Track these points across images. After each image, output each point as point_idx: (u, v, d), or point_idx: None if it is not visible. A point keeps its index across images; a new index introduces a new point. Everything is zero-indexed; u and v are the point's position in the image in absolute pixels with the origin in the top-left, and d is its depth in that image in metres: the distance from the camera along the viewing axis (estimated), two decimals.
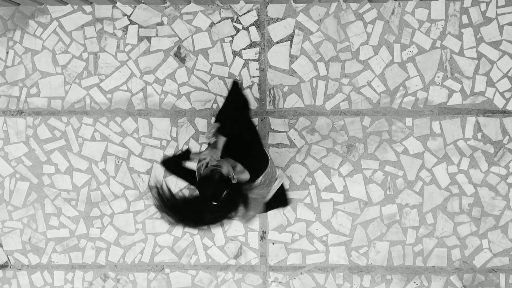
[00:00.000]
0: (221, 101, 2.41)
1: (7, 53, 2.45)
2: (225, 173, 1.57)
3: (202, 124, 2.42)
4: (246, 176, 1.70)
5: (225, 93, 2.41)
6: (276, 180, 1.95)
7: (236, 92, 2.08)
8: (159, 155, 2.45)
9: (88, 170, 2.47)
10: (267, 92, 2.42)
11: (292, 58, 2.41)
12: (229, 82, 2.40)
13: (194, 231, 2.44)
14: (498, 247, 2.42)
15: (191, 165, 1.98)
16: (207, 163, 1.67)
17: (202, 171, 1.68)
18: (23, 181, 2.48)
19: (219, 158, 1.67)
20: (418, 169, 2.41)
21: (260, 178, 1.76)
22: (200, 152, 1.86)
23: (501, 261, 2.42)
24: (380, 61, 2.39)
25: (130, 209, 2.47)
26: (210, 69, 2.43)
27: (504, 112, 2.38)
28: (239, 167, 1.69)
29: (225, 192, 1.50)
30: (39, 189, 2.48)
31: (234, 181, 1.59)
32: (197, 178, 1.78)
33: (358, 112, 2.41)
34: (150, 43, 2.43)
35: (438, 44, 2.38)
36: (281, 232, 2.46)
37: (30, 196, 2.49)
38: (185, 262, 2.49)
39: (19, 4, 2.41)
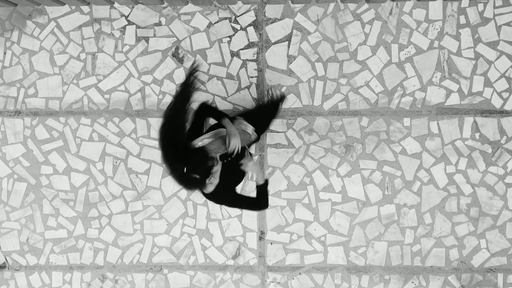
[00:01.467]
0: (218, 101, 2.41)
1: (5, 53, 2.44)
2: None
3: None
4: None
5: (223, 93, 2.41)
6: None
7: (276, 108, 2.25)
8: (157, 156, 2.44)
9: (86, 171, 2.47)
10: (265, 93, 2.41)
11: (290, 59, 2.41)
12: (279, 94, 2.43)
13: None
14: (496, 247, 2.42)
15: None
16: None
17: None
18: (21, 181, 2.48)
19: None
20: (416, 169, 2.41)
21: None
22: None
23: (499, 261, 2.43)
24: (378, 61, 2.40)
25: (128, 210, 2.47)
26: (208, 70, 2.42)
27: (502, 112, 2.39)
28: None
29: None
30: (37, 189, 2.48)
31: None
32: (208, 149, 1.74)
33: (356, 112, 2.41)
34: (148, 44, 2.42)
35: (435, 44, 2.38)
36: (279, 233, 2.46)
37: (28, 197, 2.48)
38: (183, 262, 2.48)
39: (16, 5, 2.41)
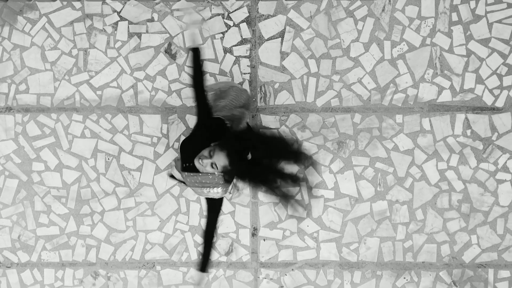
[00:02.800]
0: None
1: None
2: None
3: (193, 121, 2.42)
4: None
5: None
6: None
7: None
8: (150, 152, 2.44)
9: (78, 167, 2.45)
10: (258, 89, 2.42)
11: (283, 55, 2.41)
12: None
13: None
14: (486, 243, 2.44)
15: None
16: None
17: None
18: (12, 178, 2.46)
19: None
20: (408, 165, 2.43)
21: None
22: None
23: (490, 257, 2.45)
24: (370, 58, 2.40)
25: (120, 206, 2.46)
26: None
27: (493, 109, 2.41)
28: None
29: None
30: (29, 186, 2.46)
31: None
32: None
33: (349, 109, 2.42)
34: (140, 40, 2.42)
35: (428, 41, 2.39)
36: (272, 229, 2.46)
37: (20, 193, 2.47)
38: (176, 259, 2.48)
39: (7, 0, 2.39)
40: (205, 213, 1.93)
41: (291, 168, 1.74)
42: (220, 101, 2.03)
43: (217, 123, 1.83)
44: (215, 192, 1.80)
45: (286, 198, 1.72)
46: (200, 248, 1.92)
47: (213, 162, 1.64)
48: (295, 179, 1.71)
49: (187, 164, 1.81)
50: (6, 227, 2.49)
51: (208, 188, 1.78)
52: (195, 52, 1.78)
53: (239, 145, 1.65)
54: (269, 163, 1.67)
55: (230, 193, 1.89)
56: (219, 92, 2.08)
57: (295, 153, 1.72)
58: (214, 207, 1.87)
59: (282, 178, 1.69)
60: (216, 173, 1.69)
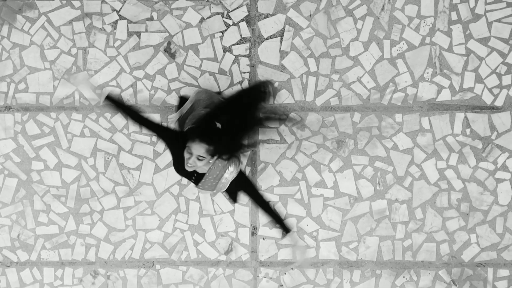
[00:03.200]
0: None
1: None
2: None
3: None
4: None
5: (215, 89, 2.41)
6: None
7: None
8: (149, 151, 2.44)
9: (78, 166, 2.45)
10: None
11: (283, 54, 2.41)
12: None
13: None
14: (486, 242, 2.45)
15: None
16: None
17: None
18: (12, 177, 2.46)
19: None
20: (407, 164, 2.43)
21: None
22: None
23: (489, 256, 2.45)
24: (370, 57, 2.40)
25: (120, 206, 2.46)
26: (200, 65, 2.42)
27: (492, 108, 2.41)
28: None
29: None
30: (28, 185, 2.46)
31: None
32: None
33: (348, 108, 2.42)
34: (139, 39, 2.41)
35: (427, 40, 2.39)
36: (271, 228, 2.46)
37: (19, 192, 2.47)
38: (176, 258, 2.49)
39: None
40: (248, 198, 1.95)
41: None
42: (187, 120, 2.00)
43: (182, 135, 1.83)
44: (230, 173, 1.79)
45: (277, 114, 1.76)
46: (270, 220, 1.92)
47: (195, 155, 1.64)
48: (276, 112, 1.76)
49: (194, 179, 1.84)
50: (5, 226, 2.49)
51: (223, 177, 1.78)
52: (113, 100, 1.85)
53: (202, 128, 1.64)
54: (242, 114, 1.68)
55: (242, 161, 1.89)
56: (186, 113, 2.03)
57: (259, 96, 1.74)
58: (244, 185, 1.87)
59: (265, 118, 1.78)
60: (210, 161, 1.69)
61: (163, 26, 2.41)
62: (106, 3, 2.40)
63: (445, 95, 2.40)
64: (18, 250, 2.49)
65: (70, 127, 2.44)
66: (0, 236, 2.49)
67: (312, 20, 2.40)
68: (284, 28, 2.40)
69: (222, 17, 2.40)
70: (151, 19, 2.41)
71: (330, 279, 2.47)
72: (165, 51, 2.42)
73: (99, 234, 2.48)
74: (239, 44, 2.42)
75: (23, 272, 2.51)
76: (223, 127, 1.64)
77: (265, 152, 2.42)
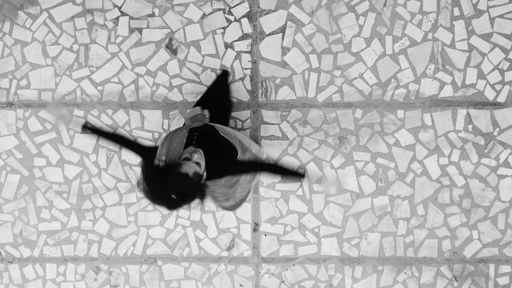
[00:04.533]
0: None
1: None
2: (200, 172, 1.54)
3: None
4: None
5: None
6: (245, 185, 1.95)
7: (222, 81, 2.10)
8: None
9: (80, 163, 2.46)
10: (259, 84, 2.41)
11: (284, 50, 2.41)
12: (219, 71, 2.40)
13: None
14: (487, 238, 2.45)
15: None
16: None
17: (172, 160, 1.62)
18: (14, 173, 2.47)
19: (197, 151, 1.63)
20: (409, 161, 2.43)
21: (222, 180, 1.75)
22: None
23: (491, 252, 2.45)
24: (372, 53, 2.40)
25: (122, 202, 2.47)
26: (202, 61, 2.42)
27: (495, 104, 2.40)
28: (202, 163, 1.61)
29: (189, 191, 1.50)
30: (30, 181, 2.47)
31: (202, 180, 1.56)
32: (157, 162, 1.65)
33: (350, 104, 2.42)
34: (141, 35, 2.41)
35: (429, 36, 2.39)
36: (273, 224, 2.47)
37: (21, 189, 2.47)
38: (178, 254, 2.49)
39: None
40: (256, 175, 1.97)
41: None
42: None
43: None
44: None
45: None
46: (281, 176, 1.97)
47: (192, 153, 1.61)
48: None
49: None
50: (8, 222, 2.49)
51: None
52: (90, 129, 1.86)
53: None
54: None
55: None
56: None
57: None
58: (240, 169, 1.83)
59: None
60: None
61: (165, 22, 2.41)
62: None
63: (447, 91, 2.40)
64: (21, 246, 2.50)
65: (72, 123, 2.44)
66: (3, 232, 2.50)
67: (314, 16, 2.39)
68: (286, 24, 2.40)
69: (224, 13, 2.40)
70: (152, 15, 2.40)
71: (331, 275, 2.48)
72: (166, 48, 2.42)
73: (101, 230, 2.49)
74: (240, 40, 2.41)
75: (26, 268, 2.51)
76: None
77: (267, 149, 2.42)
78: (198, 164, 1.54)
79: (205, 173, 1.59)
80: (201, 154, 1.59)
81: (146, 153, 1.77)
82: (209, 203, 2.25)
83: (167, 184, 1.44)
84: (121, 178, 2.46)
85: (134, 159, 2.45)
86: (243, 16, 2.40)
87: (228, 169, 1.73)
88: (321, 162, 2.43)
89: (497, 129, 2.40)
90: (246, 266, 2.49)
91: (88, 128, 1.89)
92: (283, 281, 2.48)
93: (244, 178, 1.85)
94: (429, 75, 2.40)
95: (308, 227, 2.47)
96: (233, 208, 2.09)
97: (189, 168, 1.50)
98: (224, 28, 2.41)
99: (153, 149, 1.77)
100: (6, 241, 2.50)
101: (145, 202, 2.46)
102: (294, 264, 2.48)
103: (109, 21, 2.41)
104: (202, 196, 1.55)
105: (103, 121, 2.44)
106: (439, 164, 2.42)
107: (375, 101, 2.41)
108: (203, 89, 2.40)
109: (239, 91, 2.41)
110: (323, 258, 2.48)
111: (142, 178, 1.49)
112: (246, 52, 2.41)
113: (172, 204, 1.48)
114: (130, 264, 2.50)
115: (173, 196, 1.44)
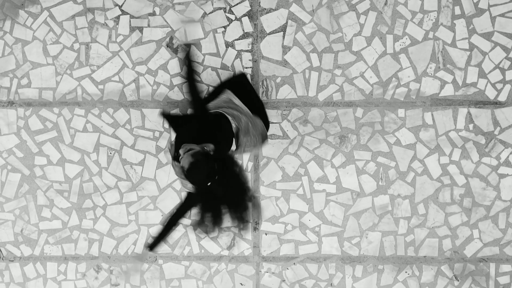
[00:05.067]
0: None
1: None
2: (201, 150, 1.61)
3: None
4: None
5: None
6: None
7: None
8: (152, 147, 2.44)
9: (80, 162, 2.46)
10: (260, 83, 2.41)
11: (285, 49, 2.41)
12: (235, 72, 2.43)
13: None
14: (488, 237, 2.44)
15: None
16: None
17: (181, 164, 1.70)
18: (15, 172, 2.47)
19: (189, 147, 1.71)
20: (410, 160, 2.43)
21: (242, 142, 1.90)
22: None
23: (491, 251, 2.45)
24: (372, 52, 2.40)
25: (122, 201, 2.47)
26: (203, 60, 2.42)
27: (496, 103, 2.40)
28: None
29: (215, 168, 1.63)
30: (31, 180, 2.47)
31: (213, 153, 1.66)
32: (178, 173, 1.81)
33: (351, 103, 2.42)
34: (142, 34, 2.41)
35: (430, 35, 2.38)
36: (274, 223, 2.47)
37: (22, 187, 2.48)
38: (178, 253, 2.49)
39: None
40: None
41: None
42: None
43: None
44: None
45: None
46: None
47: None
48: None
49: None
50: (9, 221, 2.50)
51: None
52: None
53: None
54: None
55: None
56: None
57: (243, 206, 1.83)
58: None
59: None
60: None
61: (165, 21, 2.41)
62: None
63: (448, 90, 2.40)
64: (22, 245, 2.51)
65: (73, 122, 2.44)
66: (4, 231, 2.50)
67: (314, 15, 2.39)
68: (286, 23, 2.39)
69: (225, 12, 2.40)
70: (153, 14, 2.40)
71: (332, 274, 2.48)
72: (167, 46, 2.42)
73: (102, 229, 2.49)
74: (241, 39, 2.41)
75: (27, 267, 2.52)
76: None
77: (268, 148, 2.42)
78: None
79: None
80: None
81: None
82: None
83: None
84: (122, 177, 2.46)
85: (135, 157, 2.45)
86: (244, 15, 2.40)
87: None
88: (322, 161, 2.43)
89: (498, 128, 2.40)
90: (247, 265, 2.49)
91: (151, 247, 1.98)
92: (284, 280, 2.48)
93: (244, 117, 1.94)
94: (430, 74, 2.39)
95: (309, 226, 2.47)
96: (263, 142, 2.13)
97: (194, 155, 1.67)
98: (224, 27, 2.41)
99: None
100: (7, 240, 2.51)
101: (146, 201, 2.46)
102: (294, 263, 2.49)
103: (110, 20, 2.41)
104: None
105: (104, 120, 2.44)
106: (440, 163, 2.42)
107: (376, 100, 2.41)
108: (204, 88, 2.40)
109: None
110: (324, 257, 2.48)
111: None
112: (246, 51, 2.41)
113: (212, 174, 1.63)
114: (131, 262, 2.50)
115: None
